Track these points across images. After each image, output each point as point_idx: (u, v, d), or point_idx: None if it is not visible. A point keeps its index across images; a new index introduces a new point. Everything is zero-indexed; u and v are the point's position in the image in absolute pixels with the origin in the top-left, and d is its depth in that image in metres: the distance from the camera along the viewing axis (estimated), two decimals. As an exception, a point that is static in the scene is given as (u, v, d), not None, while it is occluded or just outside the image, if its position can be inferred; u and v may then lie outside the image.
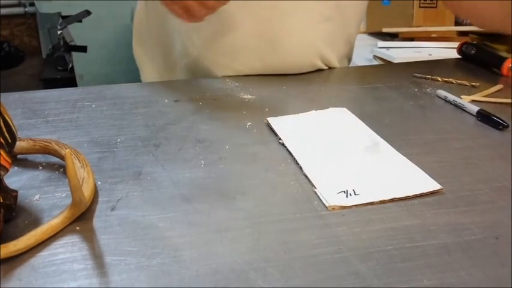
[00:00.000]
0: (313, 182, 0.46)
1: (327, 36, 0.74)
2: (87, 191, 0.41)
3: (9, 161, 0.38)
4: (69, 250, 0.37)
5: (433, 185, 0.46)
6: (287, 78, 0.73)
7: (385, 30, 1.41)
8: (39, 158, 0.50)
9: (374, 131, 0.56)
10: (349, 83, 0.72)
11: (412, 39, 1.34)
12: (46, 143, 0.49)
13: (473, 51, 0.82)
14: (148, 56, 0.83)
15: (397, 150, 0.52)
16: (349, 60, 0.86)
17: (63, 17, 1.48)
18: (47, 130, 0.56)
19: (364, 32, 1.50)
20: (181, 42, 0.75)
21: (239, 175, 0.47)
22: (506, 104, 0.65)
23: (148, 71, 0.84)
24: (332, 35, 0.74)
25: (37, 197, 0.43)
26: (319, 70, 0.78)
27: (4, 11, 2.71)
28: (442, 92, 0.67)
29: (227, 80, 0.72)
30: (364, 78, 0.75)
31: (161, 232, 0.39)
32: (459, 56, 0.85)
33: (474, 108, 0.62)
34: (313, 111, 0.61)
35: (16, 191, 0.41)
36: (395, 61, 1.16)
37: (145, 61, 0.84)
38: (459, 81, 0.72)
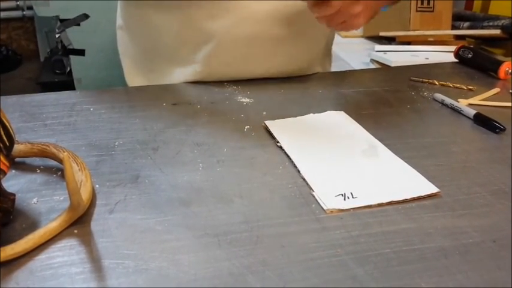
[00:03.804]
0: (311, 185, 0.46)
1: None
2: (85, 194, 0.41)
3: (7, 164, 0.38)
4: (66, 253, 0.37)
5: (431, 188, 0.46)
6: (285, 82, 0.74)
7: (382, 34, 1.41)
8: (37, 161, 0.50)
9: (372, 135, 0.56)
10: (346, 87, 0.72)
11: (409, 43, 1.35)
12: (44, 147, 0.49)
13: (470, 55, 0.82)
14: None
15: (395, 153, 0.52)
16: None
17: (61, 21, 1.48)
18: (45, 133, 0.56)
19: (361, 36, 1.51)
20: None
21: (237, 178, 0.48)
22: (503, 107, 0.66)
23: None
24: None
25: (35, 200, 0.43)
26: (317, 74, 0.79)
27: (2, 14, 2.71)
28: (439, 96, 0.68)
29: (225, 83, 0.72)
30: (361, 82, 0.75)
31: (159, 235, 0.39)
32: (456, 60, 0.85)
33: (471, 112, 0.62)
34: (311, 114, 0.61)
35: (14, 195, 0.41)
36: (393, 65, 1.17)
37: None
38: (456, 85, 0.73)
